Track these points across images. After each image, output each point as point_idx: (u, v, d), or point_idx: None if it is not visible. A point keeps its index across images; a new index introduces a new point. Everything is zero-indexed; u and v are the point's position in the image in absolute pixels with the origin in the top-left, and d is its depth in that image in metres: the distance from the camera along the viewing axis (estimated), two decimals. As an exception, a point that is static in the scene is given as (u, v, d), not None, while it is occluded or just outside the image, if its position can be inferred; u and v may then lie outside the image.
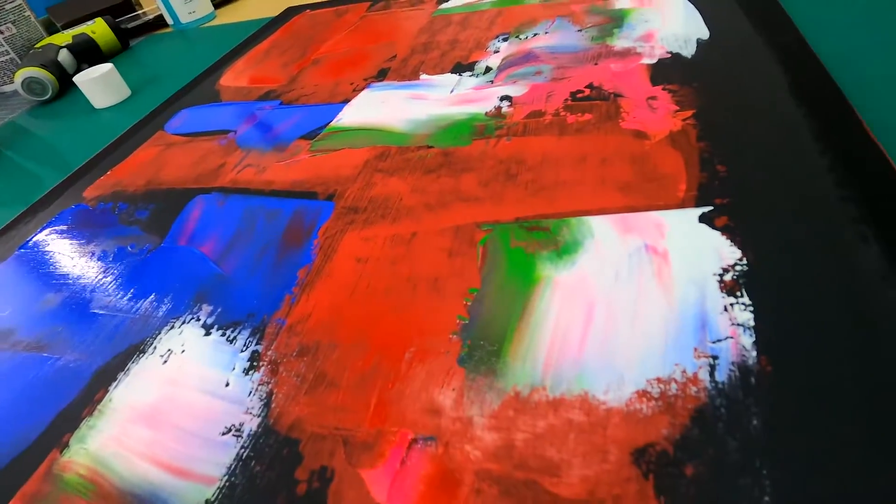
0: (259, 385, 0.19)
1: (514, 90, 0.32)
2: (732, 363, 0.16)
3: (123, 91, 0.51)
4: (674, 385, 0.15)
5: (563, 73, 0.32)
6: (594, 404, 0.15)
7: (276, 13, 0.65)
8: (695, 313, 0.17)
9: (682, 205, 0.21)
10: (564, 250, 0.21)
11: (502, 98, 0.32)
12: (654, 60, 0.31)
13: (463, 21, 0.44)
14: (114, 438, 0.18)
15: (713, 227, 0.20)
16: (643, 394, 0.15)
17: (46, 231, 0.31)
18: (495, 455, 0.15)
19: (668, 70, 0.30)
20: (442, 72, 0.37)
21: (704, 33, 0.33)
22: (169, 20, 0.70)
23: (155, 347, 0.21)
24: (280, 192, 0.29)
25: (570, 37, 0.37)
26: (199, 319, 0.22)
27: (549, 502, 0.14)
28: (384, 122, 0.32)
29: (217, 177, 0.32)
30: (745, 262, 0.18)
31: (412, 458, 0.15)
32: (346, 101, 0.36)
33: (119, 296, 0.25)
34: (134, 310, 0.24)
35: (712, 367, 0.16)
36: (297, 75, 0.43)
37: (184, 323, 0.22)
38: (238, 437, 0.17)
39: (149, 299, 0.24)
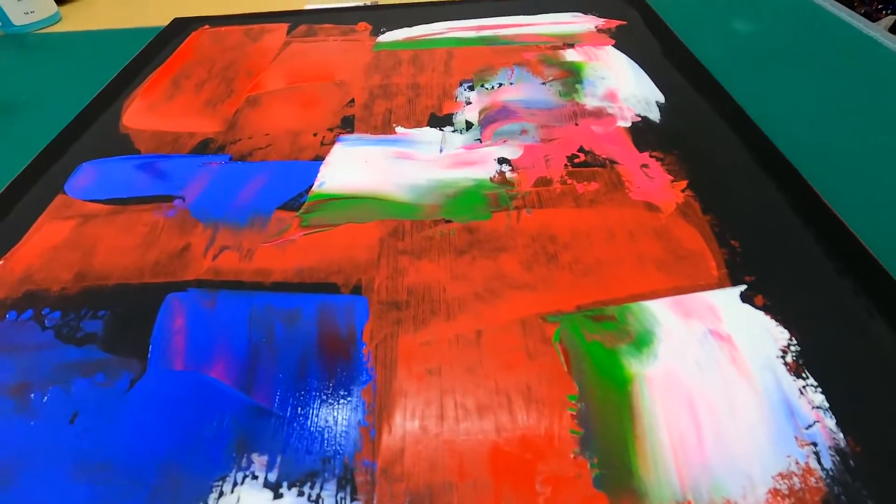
0: (379, 555, 0.16)
1: (509, 152, 0.32)
2: (829, 447, 0.18)
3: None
4: (795, 479, 0.17)
5: (550, 134, 0.33)
6: (743, 513, 0.17)
7: (148, 21, 0.55)
8: (779, 399, 0.19)
9: (720, 284, 0.24)
10: (640, 342, 0.21)
11: (500, 161, 0.31)
12: (629, 124, 0.34)
13: (413, 60, 0.43)
14: None
15: (755, 306, 0.23)
16: (776, 492, 0.17)
17: (-72, 360, 0.22)
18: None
19: (646, 135, 0.33)
20: (418, 124, 0.35)
21: (660, 96, 0.36)
22: (-6, 20, 0.54)
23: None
24: (287, 284, 0.25)
25: (537, 90, 0.38)
26: (255, 476, 0.18)
27: None
28: (378, 188, 0.30)
29: (186, 265, 0.26)
30: (794, 341, 0.21)
31: None
32: (319, 157, 0.32)
33: (109, 462, 0.19)
34: (146, 480, 0.18)
35: (817, 455, 0.18)
36: (235, 119, 0.37)
37: (236, 485, 0.18)
38: None
39: (164, 459, 0.19)
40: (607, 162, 0.31)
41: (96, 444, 0.19)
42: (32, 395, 0.21)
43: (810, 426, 0.19)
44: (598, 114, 0.35)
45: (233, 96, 0.39)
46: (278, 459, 0.19)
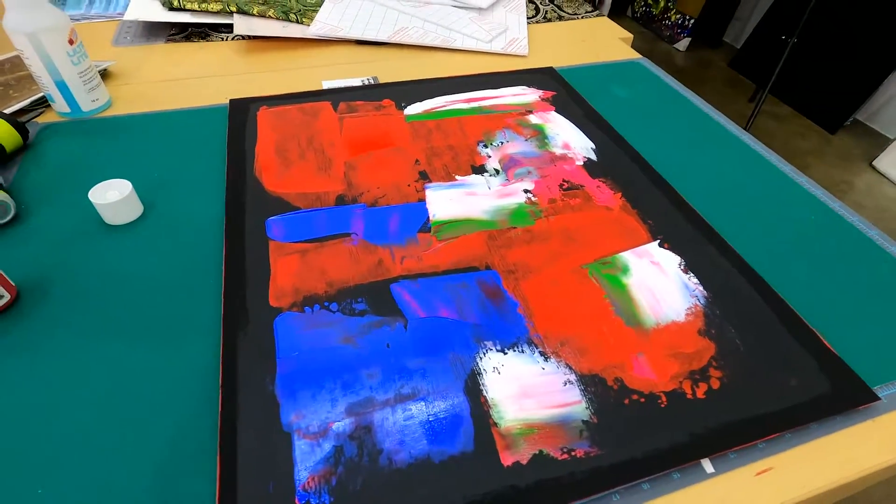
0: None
1: (526, 185, 0.57)
2: (704, 297, 0.46)
3: (139, 208, 0.52)
4: (692, 309, 0.45)
5: (543, 172, 0.59)
6: (675, 324, 0.44)
7: (191, 102, 0.70)
8: (680, 282, 0.47)
9: (648, 241, 0.51)
10: (624, 271, 0.48)
11: (525, 191, 0.56)
12: (582, 163, 0.60)
13: (437, 128, 0.65)
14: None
15: (664, 249, 0.50)
16: (688, 313, 0.44)
17: (290, 345, 0.40)
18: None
19: (592, 169, 0.60)
20: (466, 173, 0.58)
21: (591, 146, 0.64)
22: (62, 107, 0.65)
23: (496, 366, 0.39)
24: (450, 270, 0.47)
25: (525, 145, 0.63)
26: (488, 350, 0.40)
27: None
28: (468, 214, 0.53)
29: (388, 269, 0.46)
30: (684, 261, 0.49)
31: None
32: (421, 200, 0.54)
33: (412, 359, 0.40)
34: (432, 364, 0.40)
35: (697, 299, 0.45)
36: (347, 179, 0.56)
37: (483, 353, 0.40)
38: (569, 385, 0.39)
39: (436, 352, 0.40)
40: (579, 186, 0.57)
41: (401, 355, 0.40)
42: (357, 340, 0.41)
43: (694, 292, 0.46)
44: (563, 158, 0.61)
45: (333, 163, 0.59)
46: (498, 340, 0.41)
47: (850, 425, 0.38)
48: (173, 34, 0.87)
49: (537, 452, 0.35)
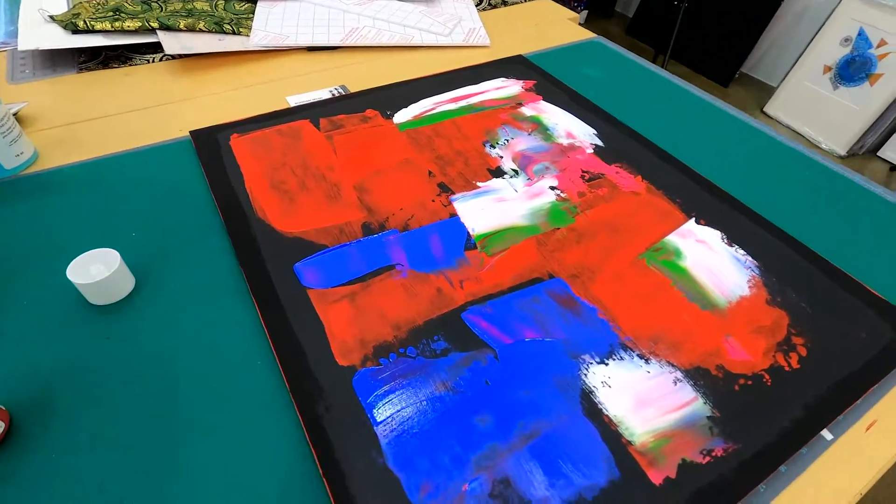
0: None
1: (549, 182, 0.55)
2: (757, 267, 0.47)
3: (130, 280, 0.43)
4: (751, 280, 0.46)
5: (560, 166, 0.57)
6: (743, 298, 0.44)
7: (137, 140, 0.60)
8: (730, 255, 0.48)
9: (685, 220, 0.51)
10: (677, 254, 0.48)
11: (551, 188, 0.54)
12: (592, 150, 0.60)
13: (436, 133, 0.61)
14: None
15: (701, 224, 0.51)
16: (749, 283, 0.45)
17: (382, 406, 0.35)
18: (743, 328, 0.42)
19: (605, 155, 0.59)
20: (485, 178, 0.55)
21: (593, 131, 0.63)
22: (-22, 169, 0.52)
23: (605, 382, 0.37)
24: (515, 287, 0.44)
25: (530, 140, 0.61)
26: (588, 363, 0.38)
27: None
28: (507, 222, 0.50)
29: (451, 298, 0.43)
30: (723, 234, 0.50)
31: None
32: (453, 214, 0.50)
33: (516, 386, 0.37)
34: (538, 385, 0.37)
35: (752, 270, 0.47)
36: (364, 204, 0.51)
37: (585, 367, 0.38)
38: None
39: (537, 373, 0.38)
40: (600, 175, 0.56)
41: (504, 390, 0.37)
42: (452, 384, 0.37)
43: (746, 263, 0.47)
44: (572, 148, 0.60)
45: (341, 188, 0.53)
46: (592, 349, 0.39)
47: (918, 363, 0.41)
48: (85, 61, 0.74)
49: (681, 462, 0.34)
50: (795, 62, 1.99)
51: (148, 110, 0.65)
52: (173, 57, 0.76)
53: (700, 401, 0.37)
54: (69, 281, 0.41)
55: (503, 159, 0.58)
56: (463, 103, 0.67)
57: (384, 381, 0.37)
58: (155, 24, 0.75)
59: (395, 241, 0.48)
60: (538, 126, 0.63)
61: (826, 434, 0.36)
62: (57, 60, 0.73)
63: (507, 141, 0.61)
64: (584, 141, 0.61)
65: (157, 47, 0.77)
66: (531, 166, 0.57)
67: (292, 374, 0.37)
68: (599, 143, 0.61)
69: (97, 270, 0.41)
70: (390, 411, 0.35)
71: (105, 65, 0.74)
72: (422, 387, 0.37)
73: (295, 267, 0.45)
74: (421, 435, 0.34)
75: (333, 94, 0.69)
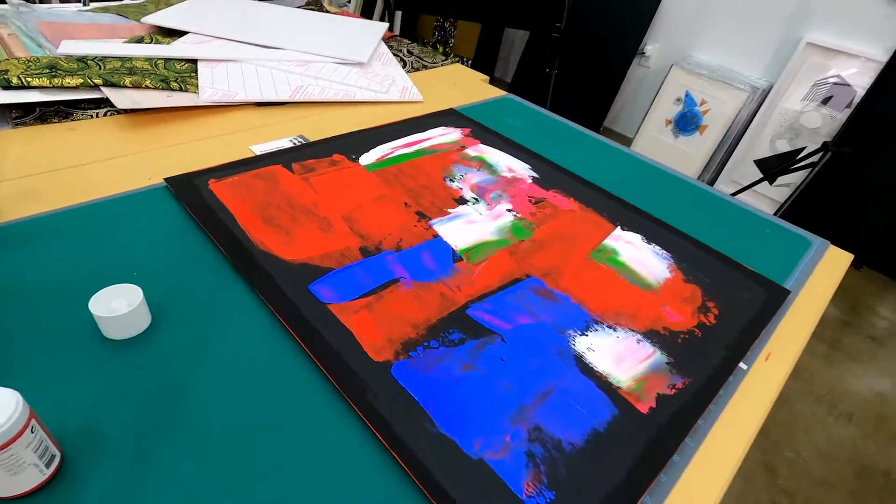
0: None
1: (505, 206, 0.66)
2: (671, 255, 0.61)
3: (147, 316, 0.44)
4: (670, 265, 0.60)
5: (510, 193, 0.69)
6: (667, 280, 0.58)
7: (99, 191, 0.61)
8: (650, 250, 0.62)
9: (613, 227, 0.65)
10: (615, 252, 0.60)
11: (508, 210, 0.65)
12: (531, 180, 0.73)
13: (400, 172, 0.70)
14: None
15: (626, 230, 0.65)
16: (670, 268, 0.59)
17: (424, 387, 0.41)
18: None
19: (542, 183, 0.72)
20: (453, 206, 0.64)
21: (528, 166, 0.76)
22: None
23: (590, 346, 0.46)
24: (502, 286, 0.53)
25: (481, 175, 0.72)
26: (573, 337, 0.48)
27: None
28: (482, 238, 0.59)
29: (454, 300, 0.50)
30: (643, 237, 0.64)
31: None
32: (436, 236, 0.58)
33: (526, 360, 0.45)
34: (538, 356, 0.46)
35: (666, 259, 0.61)
36: (356, 231, 0.57)
37: (572, 338, 0.48)
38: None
39: (550, 345, 0.46)
40: (543, 199, 0.69)
41: (518, 363, 0.45)
42: (476, 364, 0.44)
43: (662, 255, 0.62)
44: (515, 179, 0.72)
45: (331, 221, 0.58)
46: (588, 330, 0.49)
47: (785, 309, 0.57)
48: (19, 117, 0.71)
49: (657, 395, 0.44)
50: (644, 117, 2.44)
51: (107, 162, 0.65)
52: (118, 112, 0.76)
53: (658, 353, 0.48)
54: (85, 317, 0.41)
55: (463, 190, 0.68)
56: (416, 147, 0.77)
57: (419, 368, 0.43)
58: (98, 81, 0.75)
59: (393, 259, 0.54)
60: (483, 164, 0.75)
61: (742, 365, 0.50)
62: (-13, 116, 0.70)
63: (463, 175, 0.71)
64: (524, 174, 0.74)
65: (98, 102, 0.77)
66: (487, 194, 0.68)
67: (337, 375, 0.41)
68: (535, 174, 0.74)
69: (118, 305, 0.42)
70: (431, 390, 0.41)
71: (43, 120, 0.72)
72: (452, 369, 0.43)
73: (310, 287, 0.49)
74: (462, 404, 0.41)
75: (295, 143, 0.75)
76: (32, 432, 0.30)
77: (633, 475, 0.38)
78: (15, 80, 0.71)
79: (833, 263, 0.66)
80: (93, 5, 1.11)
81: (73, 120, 0.73)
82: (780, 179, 2.00)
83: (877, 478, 1.27)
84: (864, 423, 1.41)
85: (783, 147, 2.01)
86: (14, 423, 0.29)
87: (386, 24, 1.19)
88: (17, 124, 0.70)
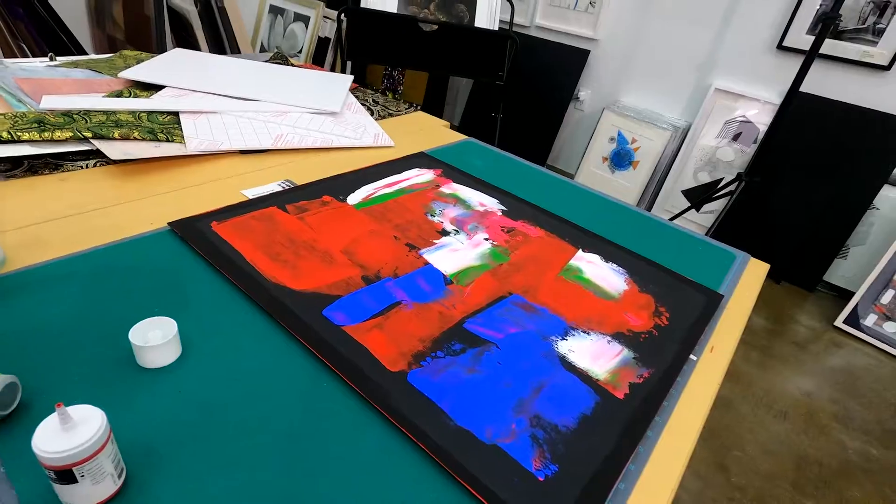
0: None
1: (483, 235, 0.75)
2: (627, 275, 0.72)
3: (179, 348, 0.48)
4: (627, 283, 0.70)
5: (485, 224, 0.78)
6: (625, 291, 0.68)
7: (100, 239, 0.64)
8: (609, 267, 0.72)
9: (576, 250, 0.75)
10: (580, 270, 0.70)
11: (486, 239, 0.74)
12: (501, 213, 0.82)
13: (386, 210, 0.77)
14: (597, 370, 0.54)
15: (586, 252, 0.75)
16: (629, 282, 0.69)
17: (438, 389, 0.47)
18: (632, 307, 0.65)
19: (511, 215, 0.82)
20: (438, 237, 0.72)
21: (496, 201, 0.86)
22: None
23: (569, 348, 0.55)
24: (490, 303, 0.60)
25: (457, 209, 0.81)
26: (557, 341, 0.56)
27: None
28: (466, 263, 0.67)
29: (451, 316, 0.57)
30: (601, 257, 0.75)
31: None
32: (426, 264, 0.66)
33: (521, 359, 0.53)
34: (527, 357, 0.53)
35: (625, 276, 0.71)
36: (357, 262, 0.63)
37: (557, 342, 0.56)
38: (610, 343, 0.58)
39: (538, 350, 0.54)
40: (513, 228, 0.78)
41: (512, 365, 0.52)
42: (477, 368, 0.51)
43: (620, 271, 0.72)
44: (487, 212, 0.82)
45: (332, 254, 0.64)
46: (554, 335, 0.57)
47: (721, 310, 0.69)
48: (8, 169, 0.73)
49: (629, 384, 0.53)
50: (583, 155, 2.66)
51: (106, 209, 0.69)
52: (108, 162, 0.79)
53: (625, 350, 0.57)
54: (123, 346, 0.45)
55: (444, 223, 0.76)
56: (396, 187, 0.85)
57: (431, 374, 0.49)
58: (88, 134, 0.79)
59: (393, 285, 0.61)
60: (458, 200, 0.84)
61: (692, 357, 0.60)
62: (-23, 169, 0.71)
63: (442, 210, 0.80)
64: (494, 207, 0.84)
65: (87, 154, 0.80)
66: (465, 226, 0.77)
67: (360, 384, 0.47)
68: (504, 208, 0.84)
69: (154, 336, 0.46)
70: (444, 392, 0.48)
71: (34, 172, 0.74)
72: (458, 374, 0.50)
73: (324, 312, 0.55)
74: (472, 401, 0.47)
75: (283, 187, 0.81)
76: (112, 444, 0.34)
77: (618, 447, 0.46)
78: (5, 135, 0.73)
79: (754, 272, 0.79)
80: (60, 59, 1.14)
81: (63, 171, 0.75)
82: (705, 207, 2.24)
83: (812, 467, 1.42)
84: (797, 419, 1.57)
85: (704, 178, 2.26)
86: (101, 434, 0.33)
87: (351, 77, 1.29)
88: (7, 177, 0.72)
